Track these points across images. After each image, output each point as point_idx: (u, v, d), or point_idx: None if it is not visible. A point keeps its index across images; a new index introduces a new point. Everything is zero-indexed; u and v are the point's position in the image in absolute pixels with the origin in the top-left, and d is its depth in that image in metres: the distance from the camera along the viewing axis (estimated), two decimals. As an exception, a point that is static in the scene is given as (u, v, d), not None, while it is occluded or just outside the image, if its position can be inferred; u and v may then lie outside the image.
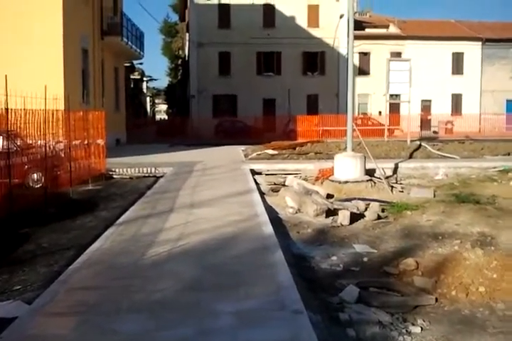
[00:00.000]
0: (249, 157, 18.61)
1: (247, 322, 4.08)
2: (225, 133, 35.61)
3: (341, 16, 41.44)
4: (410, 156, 18.18)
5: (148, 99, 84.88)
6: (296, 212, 9.63)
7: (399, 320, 4.94)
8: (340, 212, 9.23)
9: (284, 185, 12.85)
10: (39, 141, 11.23)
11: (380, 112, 39.64)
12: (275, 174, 15.28)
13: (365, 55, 42.72)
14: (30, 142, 11.21)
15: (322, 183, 12.98)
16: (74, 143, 13.22)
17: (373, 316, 4.84)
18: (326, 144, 20.48)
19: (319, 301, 5.22)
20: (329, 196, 11.74)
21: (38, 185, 11.56)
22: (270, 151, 18.90)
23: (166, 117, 77.23)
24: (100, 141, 14.38)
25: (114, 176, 15.04)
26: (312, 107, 40.79)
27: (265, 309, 4.32)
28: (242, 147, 22.38)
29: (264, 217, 8.00)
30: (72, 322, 4.16)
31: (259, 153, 19.09)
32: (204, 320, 4.10)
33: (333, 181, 12.53)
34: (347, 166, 12.51)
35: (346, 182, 12.35)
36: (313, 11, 42.05)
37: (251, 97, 40.25)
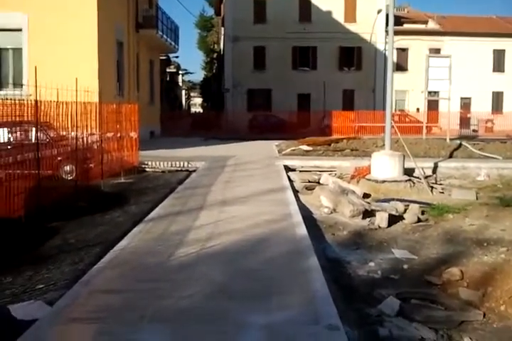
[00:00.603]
0: (283, 152, 18.24)
1: (277, 338, 3.74)
2: (259, 128, 35.26)
3: (379, 11, 40.62)
4: (450, 155, 17.54)
5: (183, 92, 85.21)
6: (332, 212, 9.25)
7: (444, 338, 4.52)
8: (377, 214, 8.81)
9: (318, 183, 12.46)
10: (72, 133, 11.17)
11: (418, 109, 38.75)
12: (309, 171, 14.89)
13: (403, 51, 41.78)
14: (64, 134, 11.14)
15: (358, 182, 12.53)
16: (107, 135, 13.12)
17: (415, 332, 4.45)
18: (363, 141, 19.93)
19: (356, 313, 4.84)
20: (366, 196, 11.31)
21: (71, 177, 11.46)
22: (305, 147, 18.49)
23: (201, 110, 77.46)
24: (133, 134, 14.21)
25: (147, 169, 14.89)
26: (348, 103, 40.15)
27: (298, 322, 3.97)
28: (276, 142, 22.02)
29: (298, 218, 7.64)
30: (91, 330, 3.89)
31: (293, 148, 18.70)
32: (231, 334, 3.78)
33: (370, 180, 12.07)
34: (385, 165, 12.03)
35: (384, 181, 11.88)
36: (350, 6, 41.34)
37: (286, 92, 39.82)
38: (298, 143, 20.17)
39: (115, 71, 19.01)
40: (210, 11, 59.92)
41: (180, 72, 74.10)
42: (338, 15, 41.12)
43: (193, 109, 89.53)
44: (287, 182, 11.47)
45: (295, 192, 10.70)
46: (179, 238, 6.47)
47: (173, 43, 27.24)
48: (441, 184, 13.95)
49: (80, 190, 10.51)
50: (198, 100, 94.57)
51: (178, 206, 8.65)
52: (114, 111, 13.26)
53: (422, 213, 9.78)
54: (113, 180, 12.52)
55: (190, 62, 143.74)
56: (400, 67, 41.78)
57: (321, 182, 12.34)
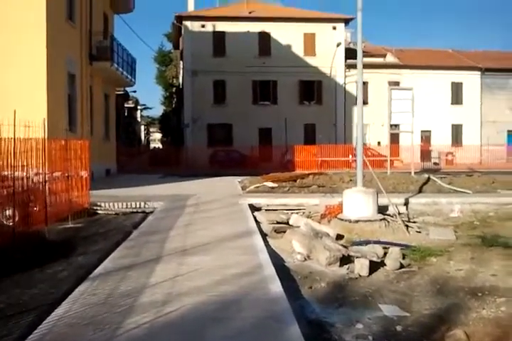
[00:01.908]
0: (247, 190, 17.27)
1: None
2: (220, 164, 34.42)
3: (338, 44, 40.93)
4: (420, 190, 16.88)
5: (142, 127, 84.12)
6: (305, 259, 8.27)
7: None
8: (356, 261, 7.87)
9: (287, 224, 11.49)
10: (16, 173, 10.00)
11: (379, 143, 38.63)
12: (276, 210, 13.93)
13: (363, 85, 41.73)
14: (6, 174, 9.96)
15: (329, 222, 11.64)
16: (54, 174, 11.94)
17: None
18: (329, 176, 19.15)
19: None
20: (339, 237, 10.41)
21: (11, 223, 10.20)
22: (269, 184, 17.57)
23: (161, 146, 76.44)
24: (84, 173, 13.05)
25: (99, 211, 13.65)
26: (309, 137, 39.77)
27: None
28: (239, 178, 21.07)
29: (270, 270, 6.62)
30: None
31: (257, 185, 17.75)
32: None
33: (342, 220, 11.18)
34: (358, 203, 11.18)
35: (358, 221, 11.01)
36: (309, 40, 41.47)
37: (247, 126, 39.22)
38: (262, 179, 19.25)
39: (66, 105, 17.86)
40: (169, 46, 59.67)
41: (138, 107, 73.14)
42: (298, 49, 41.15)
43: (152, 145, 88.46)
44: (254, 224, 10.46)
45: (263, 235, 9.69)
46: (129, 302, 5.36)
47: (129, 77, 26.25)
48: (414, 221, 13.17)
49: (20, 238, 9.27)
50: (158, 135, 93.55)
51: (130, 257, 7.51)
52: (63, 147, 12.11)
53: (403, 257, 8.91)
54: (60, 225, 11.28)
55: (149, 97, 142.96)
56: (360, 100, 41.80)
57: (290, 223, 11.37)
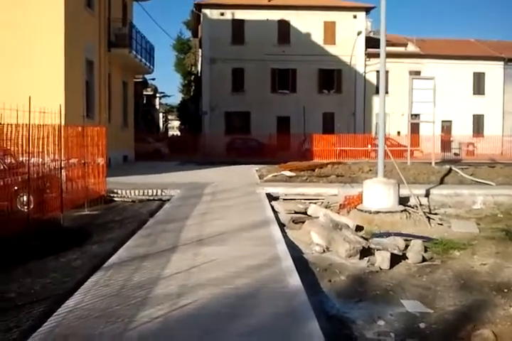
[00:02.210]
0: (265, 179, 17.06)
1: None
2: (238, 151, 34.19)
3: (359, 33, 40.25)
4: (441, 181, 16.53)
5: (161, 115, 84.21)
6: (324, 251, 8.04)
7: None
8: (377, 253, 7.63)
9: (305, 214, 11.26)
10: (33, 159, 9.90)
11: (398, 132, 38.05)
12: (294, 199, 13.72)
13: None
14: (23, 160, 9.87)
15: (349, 212, 11.38)
16: (70, 161, 11.83)
17: None
18: (348, 166, 18.85)
19: None
20: (358, 228, 10.16)
21: (27, 209, 10.12)
22: (287, 173, 17.33)
23: (179, 133, 76.50)
24: (100, 160, 12.92)
25: (115, 199, 13.55)
26: (328, 126, 39.36)
27: None
28: (256, 167, 20.86)
29: (288, 262, 6.40)
30: None
31: (275, 174, 17.53)
32: None
33: (362, 211, 10.91)
34: (378, 194, 10.89)
35: (378, 212, 10.73)
36: (329, 28, 40.89)
37: (265, 115, 38.91)
38: (279, 168, 19.03)
39: (83, 91, 17.75)
40: (188, 34, 59.40)
41: (157, 94, 73.16)
42: (318, 38, 40.62)
43: (170, 132, 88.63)
44: (271, 214, 10.25)
45: (281, 226, 9.48)
46: (143, 294, 5.18)
47: (148, 64, 26.07)
48: (436, 213, 12.86)
49: (36, 225, 9.18)
50: (176, 123, 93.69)
51: (145, 246, 7.35)
52: (79, 134, 11.97)
53: (425, 250, 8.64)
54: (76, 212, 11.19)
55: (168, 85, 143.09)
56: (380, 89, 41.23)
57: (309, 213, 11.13)
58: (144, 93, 58.60)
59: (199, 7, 40.50)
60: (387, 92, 39.80)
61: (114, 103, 22.74)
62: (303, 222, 9.80)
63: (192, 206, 11.28)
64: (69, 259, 7.32)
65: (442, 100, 35.22)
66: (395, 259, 7.78)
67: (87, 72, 18.28)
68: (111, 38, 21.10)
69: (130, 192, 13.91)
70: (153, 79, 62.42)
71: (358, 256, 7.75)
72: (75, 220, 10.43)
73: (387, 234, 9.31)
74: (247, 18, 39.89)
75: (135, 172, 18.59)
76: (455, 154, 37.31)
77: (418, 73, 39.28)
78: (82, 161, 12.08)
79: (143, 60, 24.67)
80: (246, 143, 36.38)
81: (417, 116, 29.62)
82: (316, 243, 8.16)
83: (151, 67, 27.16)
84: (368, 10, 41.51)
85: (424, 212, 11.36)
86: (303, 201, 13.50)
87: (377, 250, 7.72)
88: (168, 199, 13.10)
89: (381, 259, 7.45)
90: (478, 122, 42.52)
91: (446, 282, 6.99)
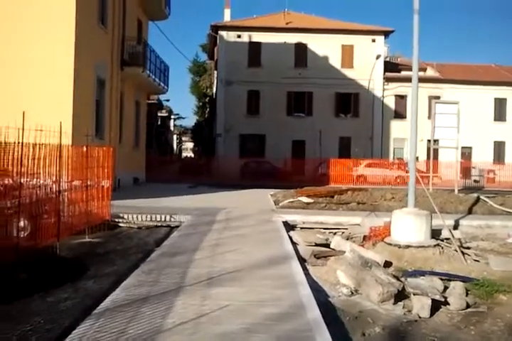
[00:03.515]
0: (281, 204, 16.07)
1: None
2: (252, 175, 33.23)
3: (378, 57, 39.59)
4: (469, 211, 15.44)
5: (175, 136, 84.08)
6: (352, 293, 6.99)
7: None
8: (415, 299, 6.56)
9: (328, 246, 10.21)
10: (32, 181, 9.05)
11: (417, 158, 36.90)
12: (312, 228, 12.70)
13: (401, 98, 40.44)
14: (21, 181, 8.99)
15: (374, 245, 10.31)
16: (73, 183, 10.94)
17: None
18: (370, 193, 17.80)
19: None
20: (386, 264, 9.09)
21: (24, 235, 9.20)
22: (304, 199, 16.31)
23: (193, 155, 76.19)
24: (105, 183, 12.01)
25: (120, 224, 12.60)
26: (344, 150, 38.39)
27: None
28: (271, 191, 19.89)
29: (315, 312, 5.34)
30: None
31: (291, 200, 16.53)
32: None
33: (390, 244, 9.83)
34: (409, 226, 9.82)
35: (408, 246, 9.64)
36: (347, 52, 40.27)
37: (280, 138, 38.10)
38: (296, 193, 18.01)
39: (93, 110, 16.96)
40: (204, 57, 59.25)
41: (172, 116, 73.03)
42: (335, 61, 39.98)
43: (184, 154, 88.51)
44: (290, 247, 9.22)
45: (301, 261, 8.45)
46: (137, 354, 4.18)
47: (162, 84, 25.36)
48: (469, 247, 11.74)
49: (27, 254, 8.23)
50: (190, 145, 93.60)
51: (147, 285, 6.34)
52: (83, 154, 11.09)
53: (466, 292, 7.55)
54: (75, 239, 10.23)
55: (183, 107, 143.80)
56: (399, 114, 40.40)
57: (332, 246, 10.07)
58: (159, 114, 58.36)
59: (216, 29, 40.14)
60: (405, 117, 39.09)
61: (126, 123, 21.99)
62: (325, 257, 8.76)
63: (202, 235, 10.29)
64: (58, 298, 6.33)
65: (462, 126, 34.09)
66: (434, 304, 6.72)
67: (97, 90, 17.53)
68: (124, 57, 20.42)
69: (137, 217, 12.98)
70: (168, 100, 62.02)
71: (392, 300, 6.68)
72: (72, 249, 9.47)
73: (422, 273, 8.24)
74: (264, 41, 39.41)
75: (145, 194, 17.72)
76: (475, 181, 36.05)
77: (438, 98, 38.33)
78: (86, 184, 11.17)
79: (157, 79, 23.97)
80: (260, 166, 35.47)
81: (435, 141, 28.65)
82: (343, 283, 7.12)
83: (165, 87, 26.47)
84: (386, 33, 40.88)
85: (458, 247, 10.25)
86: (322, 230, 12.49)
87: (415, 294, 6.65)
88: (177, 226, 12.17)
89: (420, 306, 6.38)
90: (499, 149, 41.37)
91: (498, 336, 5.91)
